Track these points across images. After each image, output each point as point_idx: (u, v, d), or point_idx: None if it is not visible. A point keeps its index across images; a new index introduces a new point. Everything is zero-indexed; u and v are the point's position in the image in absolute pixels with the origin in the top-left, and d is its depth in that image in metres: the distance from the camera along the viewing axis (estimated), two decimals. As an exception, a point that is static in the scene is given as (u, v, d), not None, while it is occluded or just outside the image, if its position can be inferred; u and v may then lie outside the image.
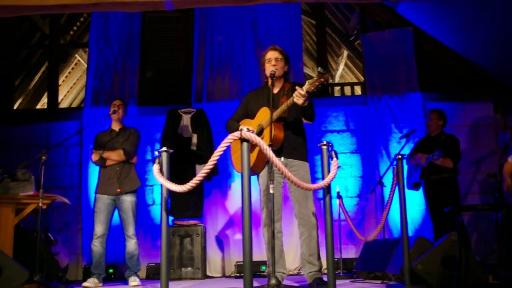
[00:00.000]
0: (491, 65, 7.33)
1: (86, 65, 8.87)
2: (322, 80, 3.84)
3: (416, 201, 6.91)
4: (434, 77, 7.68)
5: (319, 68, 3.89)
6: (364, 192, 7.33)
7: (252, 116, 4.42)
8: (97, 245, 5.46)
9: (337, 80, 10.69)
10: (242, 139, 2.96)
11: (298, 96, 3.92)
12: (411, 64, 7.43)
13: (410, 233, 5.59)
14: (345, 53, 9.61)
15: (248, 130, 2.97)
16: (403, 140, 6.69)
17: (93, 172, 7.04)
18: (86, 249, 6.96)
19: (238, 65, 7.56)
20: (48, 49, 8.24)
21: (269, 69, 4.29)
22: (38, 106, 9.29)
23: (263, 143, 3.05)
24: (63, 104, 10.05)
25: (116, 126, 5.82)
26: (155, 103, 7.70)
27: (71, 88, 10.47)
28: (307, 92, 3.91)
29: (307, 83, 3.91)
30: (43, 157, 5.18)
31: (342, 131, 7.58)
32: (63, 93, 9.98)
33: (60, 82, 8.85)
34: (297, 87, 3.94)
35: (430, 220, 6.40)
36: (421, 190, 6.35)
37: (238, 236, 7.13)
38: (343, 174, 7.36)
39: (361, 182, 7.40)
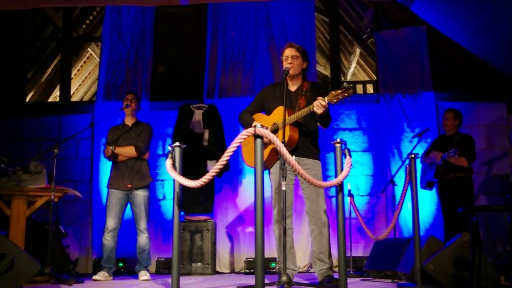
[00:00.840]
0: (505, 66, 7.28)
1: (98, 59, 8.92)
2: (346, 95, 3.84)
3: (427, 200, 6.90)
4: (448, 76, 7.65)
5: (345, 83, 3.89)
6: (375, 190, 7.33)
7: (268, 112, 4.43)
8: (108, 239, 5.50)
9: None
10: (256, 136, 2.96)
11: (319, 106, 3.93)
12: (424, 63, 7.40)
13: (421, 233, 5.58)
14: (358, 51, 9.59)
15: (262, 126, 2.97)
16: (415, 140, 6.69)
17: (104, 166, 7.08)
18: (96, 243, 7.02)
19: (251, 61, 7.56)
20: (61, 42, 8.29)
21: (284, 67, 4.28)
22: (50, 99, 9.35)
23: (277, 140, 3.05)
24: (75, 98, 10.10)
25: (129, 121, 5.84)
26: (167, 98, 7.71)
27: (83, 81, 10.52)
28: (328, 103, 3.91)
29: (330, 94, 3.91)
30: (55, 150, 5.21)
31: (354, 129, 7.57)
32: (75, 87, 10.03)
33: (72, 75, 8.89)
34: (319, 98, 3.93)
35: (441, 220, 6.39)
36: (434, 189, 6.33)
37: (248, 231, 7.15)
38: (354, 173, 7.35)
39: (372, 180, 7.39)
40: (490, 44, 7.07)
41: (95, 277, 5.36)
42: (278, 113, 4.27)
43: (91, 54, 9.98)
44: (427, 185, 6.16)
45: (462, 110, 6.43)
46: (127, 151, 5.61)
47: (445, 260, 3.81)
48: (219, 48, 7.64)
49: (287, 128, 4.05)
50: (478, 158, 5.99)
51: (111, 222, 5.52)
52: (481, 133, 7.28)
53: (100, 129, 7.19)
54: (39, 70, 8.99)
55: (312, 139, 4.37)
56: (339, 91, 3.87)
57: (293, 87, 4.39)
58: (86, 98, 10.73)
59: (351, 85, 3.85)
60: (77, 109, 7.87)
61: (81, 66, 10.05)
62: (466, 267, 3.70)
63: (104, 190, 6.71)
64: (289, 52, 4.35)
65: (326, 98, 3.92)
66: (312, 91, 4.30)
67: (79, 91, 10.50)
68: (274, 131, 4.22)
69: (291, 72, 4.25)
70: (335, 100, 3.88)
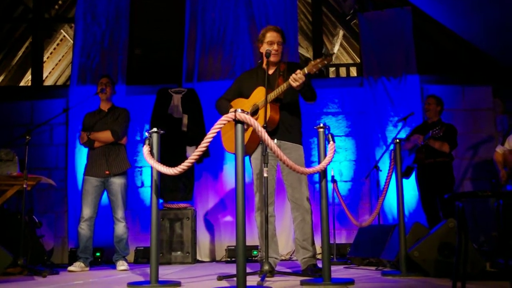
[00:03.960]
0: (492, 48, 7.32)
1: (72, 41, 8.78)
2: (326, 62, 3.81)
3: (411, 185, 6.93)
4: (433, 59, 7.69)
5: (324, 49, 3.85)
6: (358, 176, 7.35)
7: (246, 97, 4.38)
8: (84, 228, 5.44)
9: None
10: (236, 121, 2.93)
11: (294, 79, 3.89)
12: (409, 45, 7.42)
13: (405, 219, 5.61)
14: (341, 33, 9.56)
15: (243, 111, 2.94)
16: (400, 124, 6.70)
17: (80, 153, 7.01)
18: (72, 232, 6.96)
19: (231, 43, 7.50)
20: (32, 24, 8.13)
21: (266, 49, 4.21)
22: (22, 84, 9.19)
23: (258, 125, 3.02)
24: (48, 82, 9.96)
25: (104, 106, 5.76)
26: (145, 82, 7.65)
27: (56, 65, 10.36)
28: (308, 73, 3.87)
29: (309, 64, 3.87)
30: (28, 137, 5.12)
31: (337, 114, 7.57)
32: (47, 70, 9.88)
33: (44, 58, 8.75)
34: (297, 71, 3.90)
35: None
36: (413, 176, 6.34)
37: (229, 219, 7.14)
38: (338, 158, 7.37)
39: (356, 166, 7.41)
40: (478, 27, 7.09)
41: (70, 268, 5.31)
42: (258, 93, 4.24)
43: (64, 36, 9.82)
44: (404, 173, 6.11)
45: (447, 93, 6.47)
46: (104, 136, 5.54)
47: (430, 246, 3.84)
48: (198, 30, 7.56)
49: (267, 107, 4.00)
50: (463, 143, 6.04)
51: (87, 211, 5.46)
52: (466, 117, 7.34)
53: (75, 114, 7.09)
54: (9, 53, 8.81)
55: (295, 122, 4.33)
56: (318, 59, 3.84)
57: (270, 70, 4.34)
58: (59, 82, 10.58)
59: (333, 53, 3.81)
60: (50, 93, 7.76)
61: (54, 49, 9.88)
62: (452, 254, 3.73)
63: (80, 177, 6.64)
64: (275, 37, 4.27)
65: (305, 68, 3.87)
66: (289, 70, 4.27)
67: (52, 75, 10.34)
68: (254, 111, 4.19)
69: (273, 58, 4.22)
70: (314, 69, 3.84)
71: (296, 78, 3.88)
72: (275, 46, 4.25)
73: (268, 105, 4.01)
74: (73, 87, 7.44)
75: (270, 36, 4.28)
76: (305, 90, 4.09)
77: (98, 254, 6.59)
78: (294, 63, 4.76)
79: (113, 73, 7.29)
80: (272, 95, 4.08)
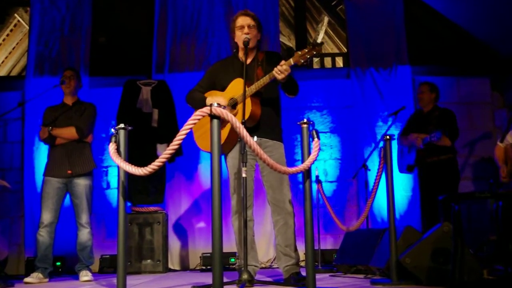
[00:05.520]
0: (490, 37, 7.39)
1: (27, 27, 8.66)
2: (314, 52, 3.82)
3: (402, 186, 7.00)
4: (425, 48, 7.74)
5: (314, 38, 3.85)
6: (345, 176, 7.40)
7: (221, 89, 4.37)
8: (43, 235, 5.38)
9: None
10: (212, 116, 2.93)
11: (279, 71, 3.89)
12: (400, 33, 7.48)
13: (396, 223, 5.66)
14: (326, 19, 9.55)
15: (219, 105, 2.94)
16: (390, 119, 6.75)
17: (39, 151, 6.95)
18: (29, 239, 6.89)
19: (206, 30, 7.49)
20: (-18, 7, 8.03)
21: (241, 37, 4.22)
22: (-29, 74, 9.07)
23: (236, 120, 3.02)
24: (1, 72, 9.82)
25: (69, 100, 5.72)
26: (110, 73, 7.60)
27: (10, 53, 10.21)
28: (295, 64, 3.88)
29: (296, 54, 3.88)
30: (-21, 134, 5.07)
31: (321, 108, 7.60)
32: (0, 59, 9.74)
33: (-3, 46, 8.64)
34: (282, 63, 3.90)
35: (417, 208, 6.49)
36: (411, 174, 6.39)
37: (204, 224, 7.14)
38: (323, 156, 7.41)
39: (342, 165, 7.46)
40: (475, 13, 7.15)
41: (27, 279, 5.24)
42: (235, 85, 4.22)
43: (18, 21, 9.68)
44: (407, 169, 6.19)
45: (441, 85, 6.50)
46: (67, 132, 5.49)
47: (424, 252, 3.87)
48: (169, 16, 7.54)
49: (248, 101, 4.01)
50: (459, 139, 6.08)
51: (47, 216, 5.41)
52: (462, 111, 7.38)
53: (32, 108, 7.02)
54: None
55: (276, 118, 4.35)
56: (306, 49, 3.84)
57: (248, 60, 4.33)
58: (14, 73, 10.41)
59: (322, 42, 3.83)
60: (3, 85, 7.70)
61: (7, 35, 9.74)
62: (446, 260, 3.77)
63: (38, 178, 6.59)
64: (244, 20, 4.28)
65: (291, 59, 3.88)
66: (267, 60, 4.28)
67: (5, 64, 10.19)
68: (233, 106, 4.18)
69: (250, 44, 4.21)
70: (302, 60, 3.85)
71: (282, 70, 3.88)
72: (246, 29, 4.24)
73: (249, 99, 4.01)
74: (29, 79, 7.36)
75: (240, 20, 4.30)
76: (288, 83, 4.10)
77: (58, 263, 6.54)
78: (273, 52, 4.78)
79: (75, 63, 7.24)
80: (253, 88, 4.07)
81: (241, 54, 4.32)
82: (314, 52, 3.82)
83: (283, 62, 3.90)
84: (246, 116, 3.91)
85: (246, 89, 3.97)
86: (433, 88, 6.28)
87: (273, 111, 4.33)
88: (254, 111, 4.09)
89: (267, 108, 4.26)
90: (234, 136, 4.19)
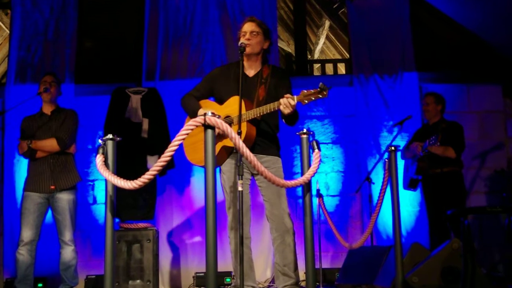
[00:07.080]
0: (501, 41, 7.40)
1: (8, 31, 8.68)
2: (321, 96, 3.84)
3: (409, 201, 7.00)
4: (433, 54, 7.76)
5: (321, 83, 3.85)
6: (347, 190, 7.40)
7: (219, 100, 4.38)
8: (23, 254, 5.37)
9: (316, 56, 10.73)
10: (206, 126, 2.93)
11: (286, 106, 3.91)
12: (406, 38, 7.49)
13: (403, 240, 5.66)
14: (327, 23, 9.64)
15: (213, 114, 2.94)
16: (396, 129, 6.76)
17: (19, 164, 6.94)
18: (8, 259, 6.87)
19: (199, 35, 7.50)
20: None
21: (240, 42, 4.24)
22: None
23: (231, 131, 3.03)
24: (-20, 79, 9.85)
25: (47, 109, 5.71)
26: (97, 81, 7.60)
27: (-11, 59, 10.24)
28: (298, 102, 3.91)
29: (301, 93, 3.90)
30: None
31: (322, 118, 7.61)
32: (-21, 65, 9.77)
33: (-25, 51, 8.65)
34: (287, 96, 3.91)
35: (425, 224, 6.49)
36: (418, 189, 6.40)
37: (197, 241, 7.13)
38: (324, 169, 7.41)
39: (345, 178, 7.46)
40: (486, 18, 7.16)
41: (7, 301, 5.25)
42: (234, 103, 4.21)
43: (-1, 24, 9.72)
44: (410, 185, 6.21)
45: (450, 93, 6.54)
46: (47, 144, 5.49)
47: (432, 271, 3.89)
48: (160, 19, 7.55)
49: (244, 124, 4.02)
50: (469, 150, 6.10)
51: (27, 233, 5.39)
52: (472, 121, 7.41)
53: (13, 118, 7.01)
54: None
55: (273, 133, 4.37)
56: (313, 90, 3.86)
57: (250, 71, 4.35)
58: (-6, 80, 10.45)
59: (330, 86, 3.84)
60: (-18, 93, 7.67)
61: (-13, 40, 9.78)
62: (456, 280, 3.78)
63: (19, 193, 6.56)
64: (248, 27, 4.32)
65: (296, 97, 3.90)
66: (273, 78, 4.29)
67: (-16, 70, 10.22)
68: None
69: (248, 50, 4.22)
70: (306, 101, 3.88)
71: (288, 105, 3.90)
72: (247, 35, 4.28)
73: (245, 123, 4.03)
74: (9, 86, 7.36)
75: (245, 26, 4.34)
76: (291, 116, 4.12)
77: (40, 284, 6.52)
78: (280, 69, 4.82)
79: (59, 70, 7.22)
80: (252, 114, 4.07)
81: (245, 64, 4.35)
82: (320, 96, 3.84)
83: (288, 96, 3.91)
84: (242, 139, 3.92)
85: (244, 111, 3.99)
86: (439, 99, 6.30)
87: (271, 127, 4.36)
88: (249, 133, 4.11)
89: (265, 125, 4.29)
90: (225, 153, 4.21)
